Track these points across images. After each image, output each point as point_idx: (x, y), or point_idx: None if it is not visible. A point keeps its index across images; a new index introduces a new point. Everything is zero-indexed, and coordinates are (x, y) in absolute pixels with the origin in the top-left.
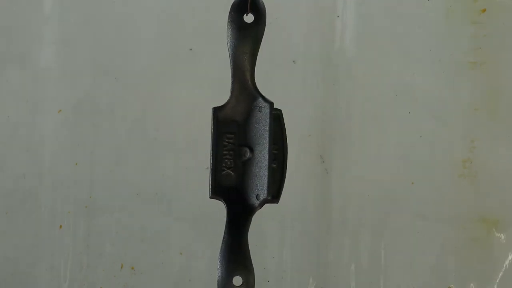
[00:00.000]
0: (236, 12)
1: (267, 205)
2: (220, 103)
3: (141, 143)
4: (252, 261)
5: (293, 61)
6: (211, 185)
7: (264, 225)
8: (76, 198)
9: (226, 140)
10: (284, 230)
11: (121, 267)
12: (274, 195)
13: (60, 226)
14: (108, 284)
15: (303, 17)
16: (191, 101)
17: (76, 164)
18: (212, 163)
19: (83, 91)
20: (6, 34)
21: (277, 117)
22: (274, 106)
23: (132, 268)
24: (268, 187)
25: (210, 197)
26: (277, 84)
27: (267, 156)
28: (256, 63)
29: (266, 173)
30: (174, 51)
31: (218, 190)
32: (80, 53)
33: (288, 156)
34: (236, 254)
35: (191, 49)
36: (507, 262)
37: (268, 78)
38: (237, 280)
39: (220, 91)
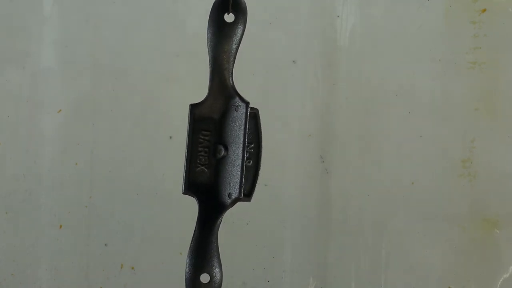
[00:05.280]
0: (217, 11)
1: (268, 205)
2: None
3: (141, 143)
4: (253, 261)
5: (293, 61)
6: (185, 181)
7: (264, 225)
8: (76, 198)
9: (202, 137)
10: (284, 230)
11: (121, 267)
12: (246, 193)
13: (60, 226)
14: (108, 284)
15: (303, 17)
16: (191, 101)
17: (76, 164)
18: (186, 159)
19: (83, 91)
20: (6, 34)
21: (253, 116)
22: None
23: (132, 268)
24: (240, 186)
25: (183, 193)
26: (277, 84)
27: (241, 155)
28: (257, 63)
29: (239, 172)
30: (174, 51)
31: (191, 186)
32: (80, 53)
33: (288, 156)
34: (205, 251)
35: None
36: (507, 262)
37: (268, 78)
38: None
39: None
